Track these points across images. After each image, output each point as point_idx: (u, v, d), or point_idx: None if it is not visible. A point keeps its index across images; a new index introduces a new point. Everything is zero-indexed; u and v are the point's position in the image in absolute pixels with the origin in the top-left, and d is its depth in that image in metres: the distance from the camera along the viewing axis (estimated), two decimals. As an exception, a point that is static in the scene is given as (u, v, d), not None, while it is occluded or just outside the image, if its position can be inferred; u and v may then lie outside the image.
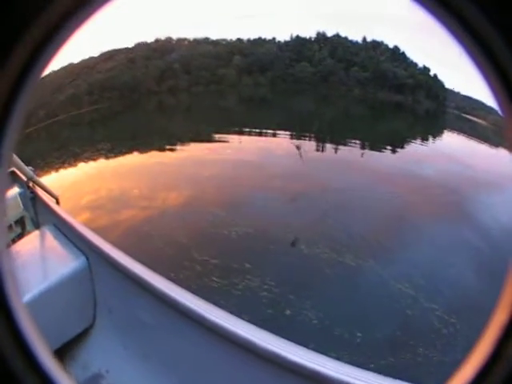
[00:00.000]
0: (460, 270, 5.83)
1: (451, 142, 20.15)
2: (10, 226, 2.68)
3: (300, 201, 8.18)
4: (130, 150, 14.52)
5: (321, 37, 34.51)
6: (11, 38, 0.27)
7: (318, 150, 14.57)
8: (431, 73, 31.50)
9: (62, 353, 1.95)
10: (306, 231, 6.68)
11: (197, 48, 33.12)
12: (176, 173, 10.92)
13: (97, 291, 2.04)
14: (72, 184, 10.13)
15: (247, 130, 17.67)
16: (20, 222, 2.81)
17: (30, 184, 2.63)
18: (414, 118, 28.24)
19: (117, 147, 14.99)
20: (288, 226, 6.78)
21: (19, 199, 2.77)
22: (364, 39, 33.51)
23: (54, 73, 25.37)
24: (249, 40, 34.87)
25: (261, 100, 30.07)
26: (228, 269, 5.47)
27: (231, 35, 34.97)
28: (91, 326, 2.05)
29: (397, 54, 32.40)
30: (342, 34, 34.02)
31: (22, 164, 2.50)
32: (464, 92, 30.07)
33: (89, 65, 29.75)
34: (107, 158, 13.67)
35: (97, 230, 2.19)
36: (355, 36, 33.86)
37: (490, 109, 22.61)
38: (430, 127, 24.91)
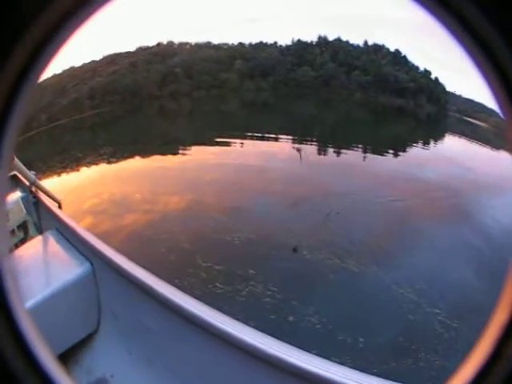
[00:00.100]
0: (462, 274, 5.81)
1: (453, 145, 20.17)
2: (13, 231, 2.68)
3: (302, 205, 8.17)
4: (131, 155, 14.60)
5: (322, 41, 34.71)
6: (11, 38, 0.27)
7: (319, 154, 14.57)
8: (432, 76, 31.66)
9: (67, 357, 1.94)
10: (308, 236, 6.66)
11: (198, 52, 33.32)
12: (178, 177, 10.94)
13: (101, 297, 2.04)
14: (74, 188, 10.16)
15: (249, 134, 17.69)
16: (23, 226, 2.80)
17: (33, 188, 2.63)
18: (416, 121, 28.30)
19: (119, 151, 15.07)
20: (290, 232, 6.77)
21: (22, 204, 2.76)
22: (365, 43, 33.73)
23: (56, 76, 25.56)
24: (250, 44, 35.17)
25: (262, 104, 30.16)
26: (232, 275, 5.48)
27: (233, 39, 35.33)
28: (95, 332, 2.04)
29: (398, 58, 32.53)
30: (344, 38, 34.30)
31: (24, 168, 2.51)
32: (465, 95, 30.22)
33: (91, 69, 29.96)
34: (109, 162, 13.73)
35: (100, 235, 2.20)
36: (356, 40, 34.11)
37: (492, 111, 22.66)
38: (432, 131, 24.94)
